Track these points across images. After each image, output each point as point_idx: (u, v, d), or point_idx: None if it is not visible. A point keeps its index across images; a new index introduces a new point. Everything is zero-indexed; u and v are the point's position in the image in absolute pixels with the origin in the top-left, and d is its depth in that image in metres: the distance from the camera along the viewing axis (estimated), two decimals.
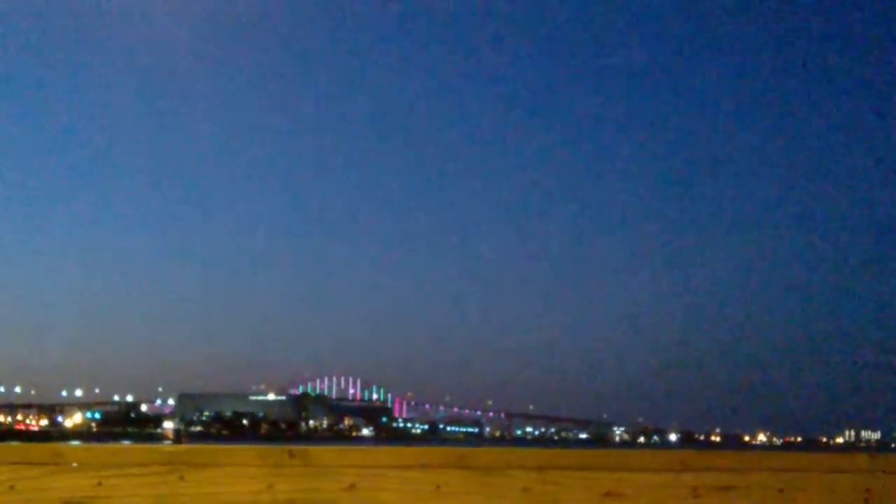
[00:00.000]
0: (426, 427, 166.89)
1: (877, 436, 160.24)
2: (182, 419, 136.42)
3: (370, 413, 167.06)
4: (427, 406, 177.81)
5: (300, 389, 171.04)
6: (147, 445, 3.35)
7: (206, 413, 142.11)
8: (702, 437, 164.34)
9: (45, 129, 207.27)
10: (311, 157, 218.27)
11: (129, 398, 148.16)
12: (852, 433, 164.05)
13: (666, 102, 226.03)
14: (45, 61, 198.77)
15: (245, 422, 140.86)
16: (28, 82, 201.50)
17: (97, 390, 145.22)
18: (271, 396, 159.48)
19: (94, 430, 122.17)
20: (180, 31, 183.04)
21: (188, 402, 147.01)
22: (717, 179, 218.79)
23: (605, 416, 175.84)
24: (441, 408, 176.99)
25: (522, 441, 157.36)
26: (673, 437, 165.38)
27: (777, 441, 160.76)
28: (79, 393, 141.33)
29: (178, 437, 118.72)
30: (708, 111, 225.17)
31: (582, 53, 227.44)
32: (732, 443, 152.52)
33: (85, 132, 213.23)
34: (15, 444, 3.35)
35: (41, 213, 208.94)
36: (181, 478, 3.11)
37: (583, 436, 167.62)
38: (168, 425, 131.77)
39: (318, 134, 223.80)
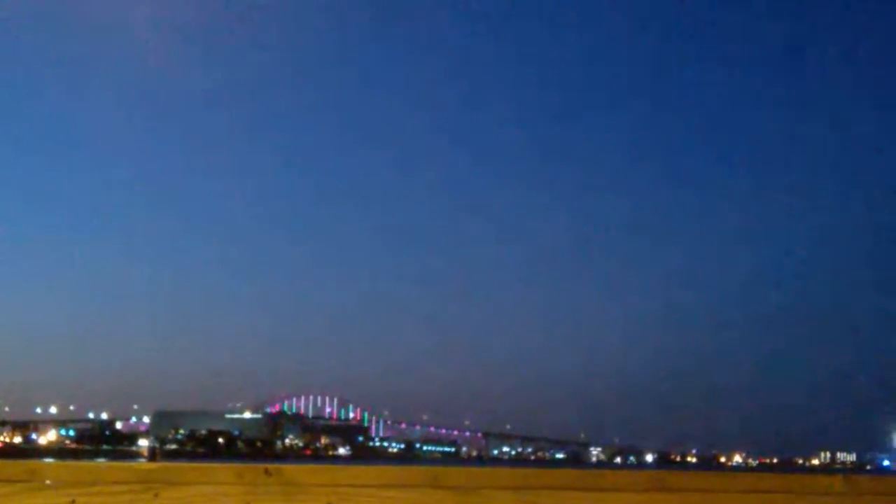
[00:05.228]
0: (403, 446, 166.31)
1: (852, 457, 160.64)
2: (157, 437, 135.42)
3: (347, 432, 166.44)
4: (404, 425, 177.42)
5: (277, 408, 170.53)
6: (121, 463, 3.31)
7: (182, 431, 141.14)
8: (678, 458, 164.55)
9: (26, 142, 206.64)
10: (292, 173, 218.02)
11: (104, 415, 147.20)
12: (828, 455, 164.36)
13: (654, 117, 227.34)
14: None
15: (221, 440, 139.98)
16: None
17: (72, 407, 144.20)
18: (247, 415, 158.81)
19: (69, 447, 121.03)
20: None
21: (164, 420, 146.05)
22: (693, 207, 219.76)
23: (583, 436, 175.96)
24: (418, 427, 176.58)
25: (499, 461, 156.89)
26: (649, 457, 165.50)
27: (753, 462, 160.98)
28: (53, 410, 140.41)
29: (154, 454, 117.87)
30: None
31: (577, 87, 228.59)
32: (708, 464, 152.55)
33: (67, 144, 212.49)
34: None
35: (15, 230, 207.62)
36: (156, 496, 3.07)
37: (559, 456, 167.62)
38: (143, 443, 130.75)
39: (296, 147, 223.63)
